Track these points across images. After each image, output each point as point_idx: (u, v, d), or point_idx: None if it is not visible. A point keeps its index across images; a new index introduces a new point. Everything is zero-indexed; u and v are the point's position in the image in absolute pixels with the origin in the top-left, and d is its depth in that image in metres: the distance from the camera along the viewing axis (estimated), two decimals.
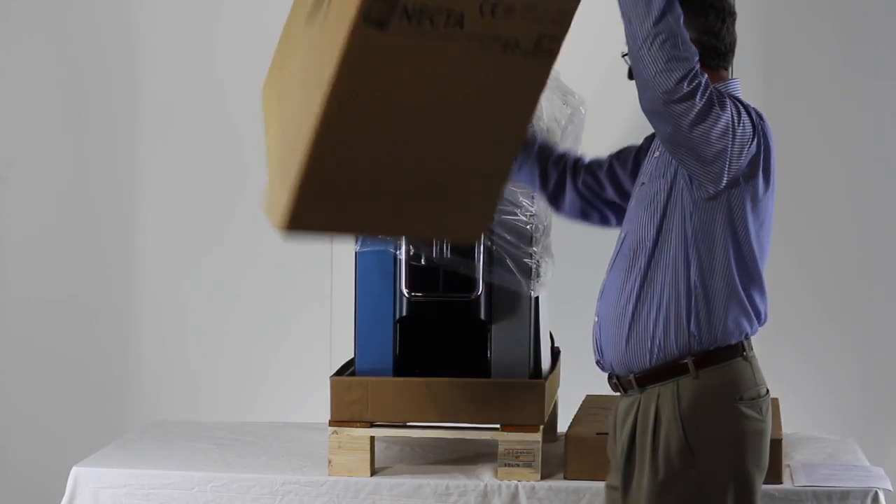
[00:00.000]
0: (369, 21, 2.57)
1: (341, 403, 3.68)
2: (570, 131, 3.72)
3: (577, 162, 3.35)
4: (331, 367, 4.48)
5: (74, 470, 3.72)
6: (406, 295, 3.66)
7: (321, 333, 4.86)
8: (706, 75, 2.89)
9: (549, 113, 3.80)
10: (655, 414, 2.93)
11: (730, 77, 3.09)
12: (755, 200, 2.98)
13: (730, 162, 2.90)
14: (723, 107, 2.87)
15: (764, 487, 3.49)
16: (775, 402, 3.93)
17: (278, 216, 2.71)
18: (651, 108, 2.85)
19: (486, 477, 3.66)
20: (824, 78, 4.69)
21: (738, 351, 2.94)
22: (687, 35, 2.85)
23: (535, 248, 3.65)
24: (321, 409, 3.82)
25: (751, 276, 2.97)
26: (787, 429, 3.76)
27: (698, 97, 2.82)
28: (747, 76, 4.68)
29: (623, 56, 3.00)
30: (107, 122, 4.99)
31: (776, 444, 3.54)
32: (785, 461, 3.64)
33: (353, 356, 3.76)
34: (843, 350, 4.71)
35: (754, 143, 2.94)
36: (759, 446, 2.95)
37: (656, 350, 2.94)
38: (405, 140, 2.70)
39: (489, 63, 2.71)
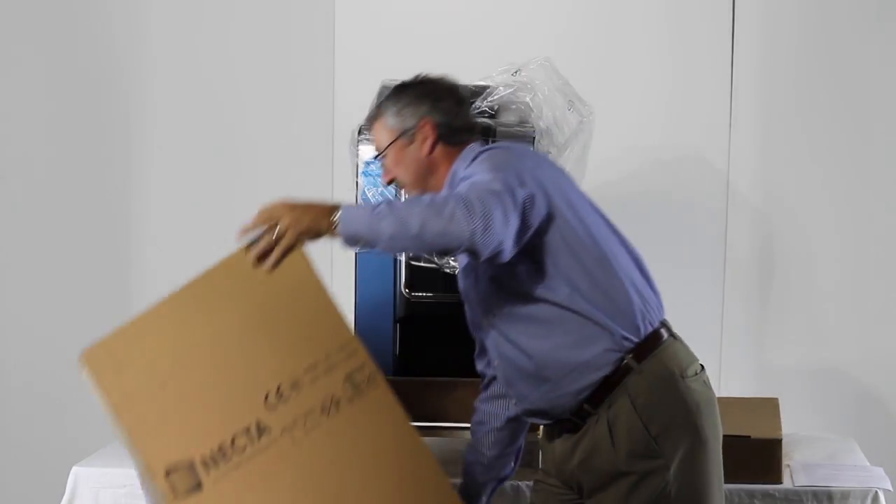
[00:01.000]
0: (179, 495, 2.63)
1: None
2: (579, 140, 3.72)
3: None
4: None
5: (74, 470, 3.72)
6: (406, 295, 3.66)
7: None
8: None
9: (549, 114, 3.80)
10: (609, 423, 2.95)
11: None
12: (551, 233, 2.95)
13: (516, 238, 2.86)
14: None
15: (764, 487, 3.51)
16: (775, 402, 3.93)
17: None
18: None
19: None
20: (822, 78, 4.69)
21: (662, 335, 2.98)
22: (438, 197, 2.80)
23: None
24: None
25: (603, 291, 2.96)
26: (787, 429, 3.76)
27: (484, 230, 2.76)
28: (747, 75, 4.69)
29: (376, 159, 3.11)
30: (107, 123, 4.99)
31: (776, 444, 3.54)
32: (785, 461, 3.64)
33: None
34: (843, 350, 4.70)
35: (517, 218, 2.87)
36: (714, 414, 3.01)
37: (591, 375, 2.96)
38: None
39: (324, 435, 2.76)
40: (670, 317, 3.07)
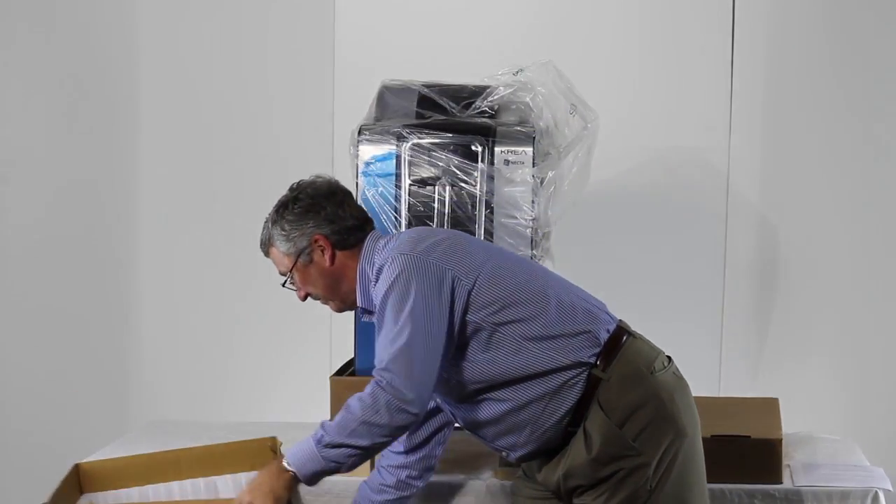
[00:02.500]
0: None
1: (341, 403, 3.67)
2: (583, 145, 3.73)
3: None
4: (331, 367, 4.48)
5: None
6: None
7: (321, 333, 4.86)
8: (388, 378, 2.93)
9: (549, 115, 3.80)
10: (585, 434, 2.98)
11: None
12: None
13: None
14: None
15: (764, 487, 3.51)
16: (775, 402, 3.93)
17: None
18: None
19: (486, 477, 3.65)
20: (823, 79, 4.69)
21: (621, 337, 3.01)
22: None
23: (535, 251, 3.65)
24: (321, 409, 3.82)
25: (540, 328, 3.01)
26: (787, 429, 3.76)
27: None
28: (747, 75, 4.70)
29: (287, 287, 3.21)
30: (107, 123, 4.99)
31: (776, 444, 3.54)
32: (785, 461, 3.64)
33: (353, 356, 3.76)
34: (843, 350, 4.71)
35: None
36: (687, 402, 3.04)
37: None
38: None
39: None
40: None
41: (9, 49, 5.00)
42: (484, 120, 3.72)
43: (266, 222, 3.16)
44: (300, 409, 4.62)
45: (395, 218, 3.64)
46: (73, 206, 5.02)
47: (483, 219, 3.63)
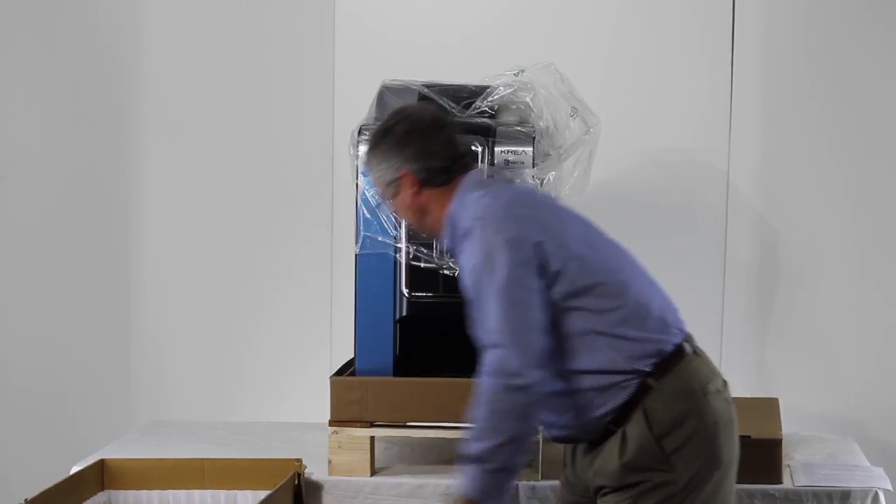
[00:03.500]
0: None
1: (341, 403, 3.68)
2: (585, 149, 3.73)
3: None
4: (331, 367, 4.48)
5: (74, 470, 3.72)
6: (406, 295, 3.66)
7: (321, 333, 4.86)
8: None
9: (549, 115, 3.80)
10: (622, 438, 2.95)
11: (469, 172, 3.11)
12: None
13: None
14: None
15: (764, 487, 3.51)
16: (775, 402, 3.93)
17: None
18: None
19: None
20: (823, 79, 4.69)
21: (684, 351, 2.98)
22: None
23: None
24: (321, 409, 3.82)
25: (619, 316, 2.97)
26: (787, 429, 3.76)
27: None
28: (747, 75, 4.70)
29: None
30: (106, 123, 4.99)
31: (776, 444, 3.55)
32: (785, 461, 3.64)
33: (353, 356, 3.76)
34: (843, 350, 4.70)
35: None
36: (731, 435, 3.00)
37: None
38: None
39: None
40: None
41: (9, 48, 5.00)
42: (484, 120, 3.72)
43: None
44: (300, 410, 4.63)
45: (395, 218, 3.64)
46: (74, 205, 5.02)
47: None
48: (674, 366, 2.95)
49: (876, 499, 3.55)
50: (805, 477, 3.62)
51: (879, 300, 4.70)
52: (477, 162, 3.51)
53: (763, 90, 4.69)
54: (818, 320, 4.72)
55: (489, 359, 2.89)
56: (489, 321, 2.90)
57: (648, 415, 2.92)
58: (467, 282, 2.97)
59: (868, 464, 3.85)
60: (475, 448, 2.87)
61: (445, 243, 3.13)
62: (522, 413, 2.85)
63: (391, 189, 3.11)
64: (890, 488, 3.61)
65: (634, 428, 2.93)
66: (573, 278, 2.93)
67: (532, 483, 3.61)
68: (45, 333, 5.04)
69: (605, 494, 3.00)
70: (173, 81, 4.95)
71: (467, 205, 3.02)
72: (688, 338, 3.03)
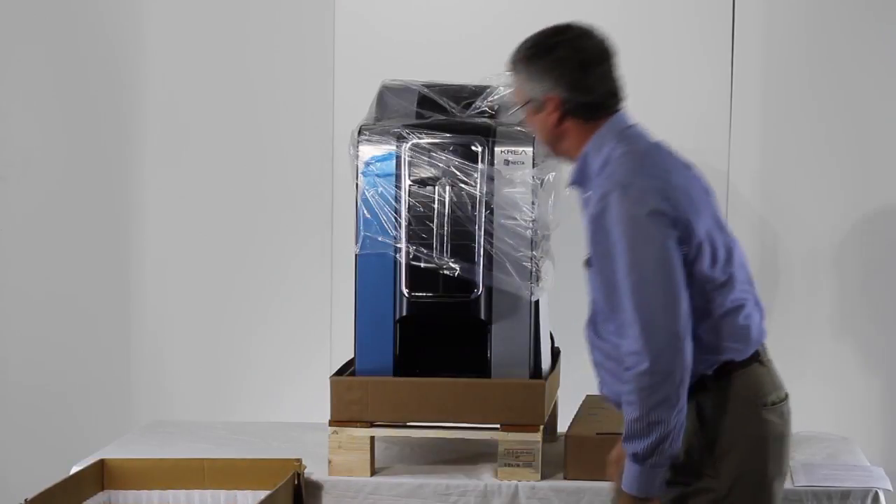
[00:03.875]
0: None
1: (341, 403, 3.69)
2: None
3: None
4: (331, 367, 4.48)
5: (74, 470, 3.72)
6: (406, 295, 3.66)
7: (321, 333, 4.86)
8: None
9: None
10: None
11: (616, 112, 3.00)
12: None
13: None
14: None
15: None
16: None
17: None
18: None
19: (486, 477, 3.66)
20: (823, 79, 4.69)
21: (753, 357, 2.94)
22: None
23: (535, 252, 3.65)
24: (321, 409, 3.82)
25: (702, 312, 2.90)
26: None
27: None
28: (747, 75, 4.70)
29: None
30: (106, 122, 4.99)
31: None
32: None
33: (353, 356, 3.76)
34: (843, 350, 4.70)
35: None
36: (781, 451, 2.95)
37: None
38: None
39: None
40: None
41: (9, 49, 5.00)
42: (484, 120, 3.72)
43: (523, 44, 3.03)
44: (300, 410, 4.63)
45: (395, 218, 3.64)
46: (75, 205, 5.01)
47: (483, 219, 3.63)
48: (736, 371, 2.90)
49: (876, 499, 3.55)
50: (805, 477, 3.62)
51: (879, 299, 4.70)
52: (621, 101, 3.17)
53: (763, 90, 4.69)
54: (818, 320, 4.72)
55: (631, 348, 2.77)
56: (625, 306, 2.78)
57: (701, 415, 2.88)
58: (592, 241, 2.85)
59: (868, 464, 3.85)
60: (636, 446, 2.79)
61: (572, 178, 3.02)
62: (672, 403, 2.75)
63: (532, 106, 2.98)
64: (890, 488, 3.61)
65: (687, 427, 2.85)
66: (691, 270, 2.84)
67: (532, 483, 3.62)
68: (46, 334, 5.04)
69: None
70: (173, 81, 4.95)
71: (605, 155, 2.92)
72: (760, 348, 2.96)
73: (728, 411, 2.89)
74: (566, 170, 3.72)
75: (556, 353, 4.08)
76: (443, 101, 3.75)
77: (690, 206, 2.87)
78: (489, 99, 3.74)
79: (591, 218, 2.87)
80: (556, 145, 3.02)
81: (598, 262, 2.86)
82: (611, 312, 2.86)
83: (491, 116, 3.73)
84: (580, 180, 3.00)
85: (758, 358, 2.95)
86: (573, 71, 2.95)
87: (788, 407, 2.98)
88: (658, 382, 2.74)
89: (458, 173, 3.63)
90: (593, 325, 2.98)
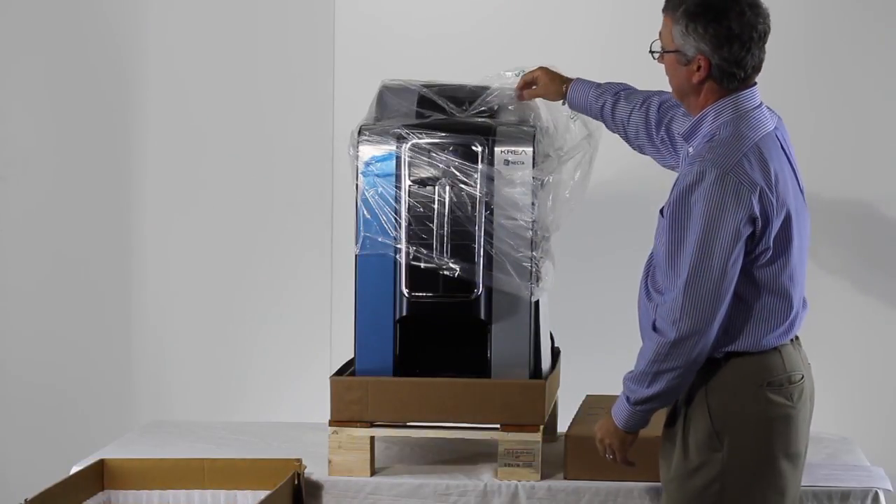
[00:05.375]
0: None
1: (341, 403, 3.69)
2: (586, 154, 3.73)
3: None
4: (331, 367, 4.48)
5: (74, 470, 3.72)
6: (406, 295, 3.66)
7: (321, 333, 4.86)
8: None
9: (547, 115, 3.80)
10: (687, 400, 3.03)
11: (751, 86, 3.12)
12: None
13: None
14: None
15: None
16: None
17: None
18: None
19: (486, 477, 3.66)
20: (822, 79, 4.69)
21: (766, 344, 3.03)
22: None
23: (535, 253, 3.65)
24: (321, 409, 3.82)
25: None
26: None
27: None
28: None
29: (651, 52, 3.18)
30: (106, 122, 4.99)
31: None
32: None
33: (353, 356, 3.76)
34: (843, 350, 4.70)
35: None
36: (787, 431, 3.01)
37: None
38: None
39: None
40: None
41: (9, 49, 5.00)
42: (484, 120, 3.72)
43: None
44: (301, 409, 4.63)
45: (395, 219, 3.64)
46: (75, 205, 5.02)
47: (483, 220, 3.63)
48: (746, 352, 3.01)
49: (876, 499, 3.55)
50: (805, 477, 3.61)
51: (880, 299, 4.70)
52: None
53: (763, 90, 4.68)
54: (818, 320, 4.70)
55: (667, 310, 2.96)
56: (681, 272, 2.94)
57: (707, 386, 3.00)
58: (674, 202, 2.99)
59: (868, 464, 3.85)
60: (634, 392, 3.02)
61: (684, 130, 3.16)
62: (679, 374, 2.96)
63: (679, 56, 3.07)
64: (890, 488, 3.61)
65: (697, 406, 3.01)
66: (758, 260, 2.98)
67: (532, 483, 3.62)
68: (46, 334, 5.04)
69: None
70: (173, 81, 4.95)
71: (717, 126, 3.04)
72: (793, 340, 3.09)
73: (731, 389, 2.99)
74: (566, 170, 3.73)
75: (556, 353, 4.08)
76: (442, 101, 3.75)
77: (780, 210, 2.99)
78: (489, 99, 3.74)
79: (680, 180, 3.00)
80: (685, 97, 3.13)
81: (673, 223, 2.99)
82: (668, 269, 2.99)
83: (491, 116, 3.73)
84: (689, 135, 3.11)
85: (775, 346, 3.04)
86: (733, 44, 3.03)
87: (802, 389, 3.05)
88: (675, 355, 2.94)
89: (457, 173, 3.63)
90: (651, 279, 3.11)
